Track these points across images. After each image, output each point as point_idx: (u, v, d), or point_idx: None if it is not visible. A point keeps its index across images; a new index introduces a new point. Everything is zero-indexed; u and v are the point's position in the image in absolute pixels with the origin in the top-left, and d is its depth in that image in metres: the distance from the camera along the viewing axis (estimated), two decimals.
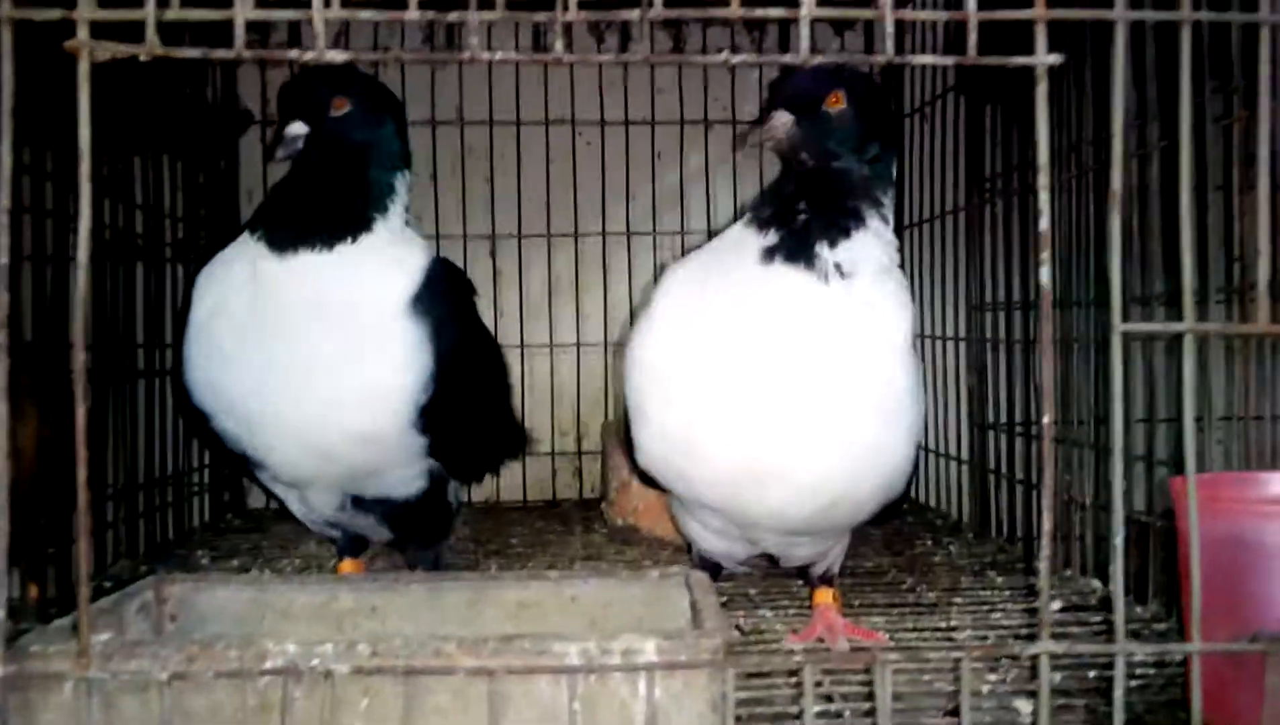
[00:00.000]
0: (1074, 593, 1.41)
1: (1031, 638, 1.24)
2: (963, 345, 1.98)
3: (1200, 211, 1.28)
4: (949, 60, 0.80)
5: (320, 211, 1.28)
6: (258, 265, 1.26)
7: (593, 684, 0.77)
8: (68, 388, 0.75)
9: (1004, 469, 1.81)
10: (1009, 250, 1.81)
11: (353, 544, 1.46)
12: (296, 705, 0.75)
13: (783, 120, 1.14)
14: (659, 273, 2.15)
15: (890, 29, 0.77)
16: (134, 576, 1.48)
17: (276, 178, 1.39)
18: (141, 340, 1.72)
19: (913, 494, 2.04)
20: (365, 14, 0.77)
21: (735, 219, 1.23)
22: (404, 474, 1.34)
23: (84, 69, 0.74)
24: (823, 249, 1.10)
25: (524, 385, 2.14)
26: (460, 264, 2.04)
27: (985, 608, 1.35)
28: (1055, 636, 0.81)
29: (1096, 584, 1.44)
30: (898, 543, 1.75)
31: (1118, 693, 0.79)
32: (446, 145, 2.13)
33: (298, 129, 1.31)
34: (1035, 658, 0.80)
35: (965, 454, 1.97)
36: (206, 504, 1.96)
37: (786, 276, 1.09)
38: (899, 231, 2.13)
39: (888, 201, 1.18)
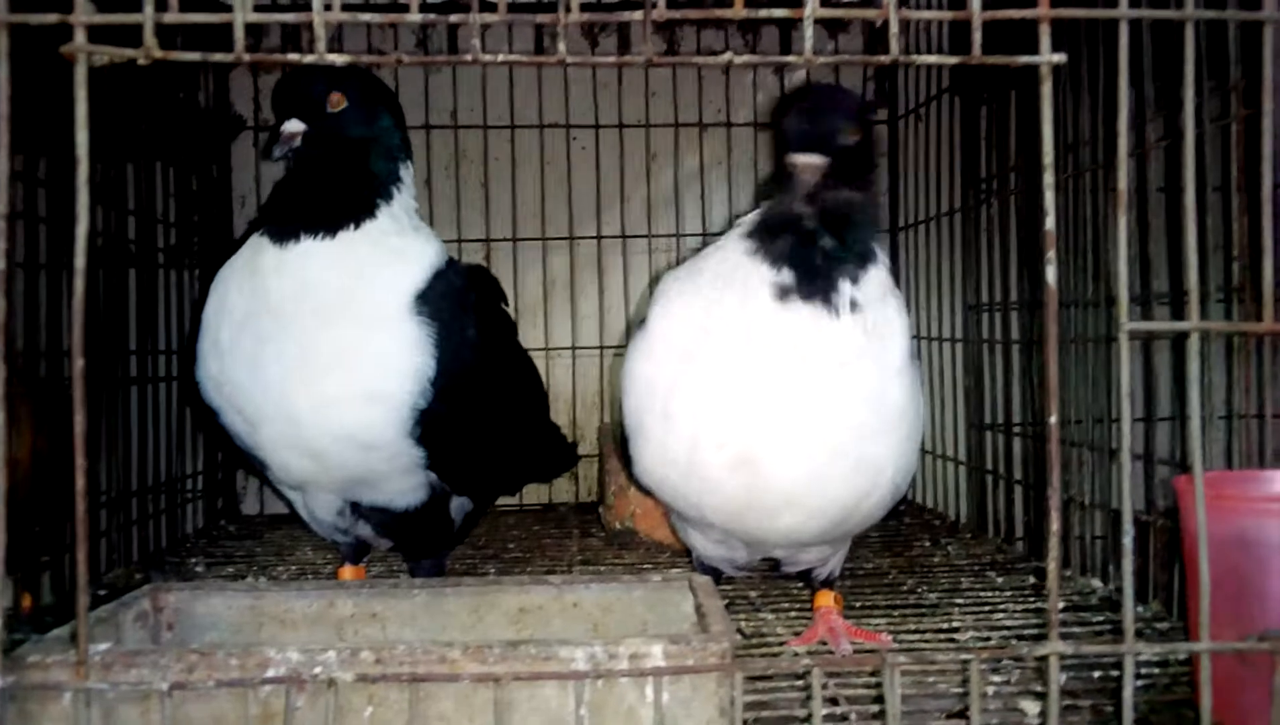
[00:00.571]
0: (1074, 592, 1.41)
1: (1036, 638, 1.24)
2: (959, 346, 1.98)
3: (1199, 211, 1.28)
4: (953, 60, 0.79)
5: (322, 200, 1.26)
6: (258, 257, 1.25)
7: (600, 689, 0.77)
8: (62, 395, 0.74)
9: (1001, 469, 1.81)
10: (1005, 251, 1.81)
11: (356, 551, 1.44)
12: (299, 714, 0.75)
13: (817, 164, 1.07)
14: (654, 278, 2.16)
15: (895, 29, 0.77)
16: (129, 584, 1.47)
17: (270, 182, 1.39)
18: (134, 346, 1.71)
19: (910, 495, 2.05)
20: (366, 16, 0.77)
21: (731, 222, 1.20)
22: (402, 485, 1.30)
23: (81, 74, 0.74)
24: (844, 285, 1.08)
25: None
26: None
27: (987, 608, 1.35)
28: (1060, 637, 0.81)
29: (1096, 584, 1.44)
30: (896, 544, 1.74)
31: (1127, 693, 0.78)
32: (441, 149, 2.13)
33: (294, 126, 1.28)
34: (1044, 658, 0.79)
35: (962, 454, 1.97)
36: (201, 510, 1.95)
37: (802, 314, 1.07)
38: (893, 233, 2.16)
39: (881, 222, 1.18)
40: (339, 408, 1.20)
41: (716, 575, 1.33)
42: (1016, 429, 1.79)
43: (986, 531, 1.83)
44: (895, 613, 1.34)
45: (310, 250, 1.22)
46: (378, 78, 1.44)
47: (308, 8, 0.73)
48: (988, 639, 1.24)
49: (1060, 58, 0.78)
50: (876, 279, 1.11)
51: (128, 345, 1.70)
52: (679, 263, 2.03)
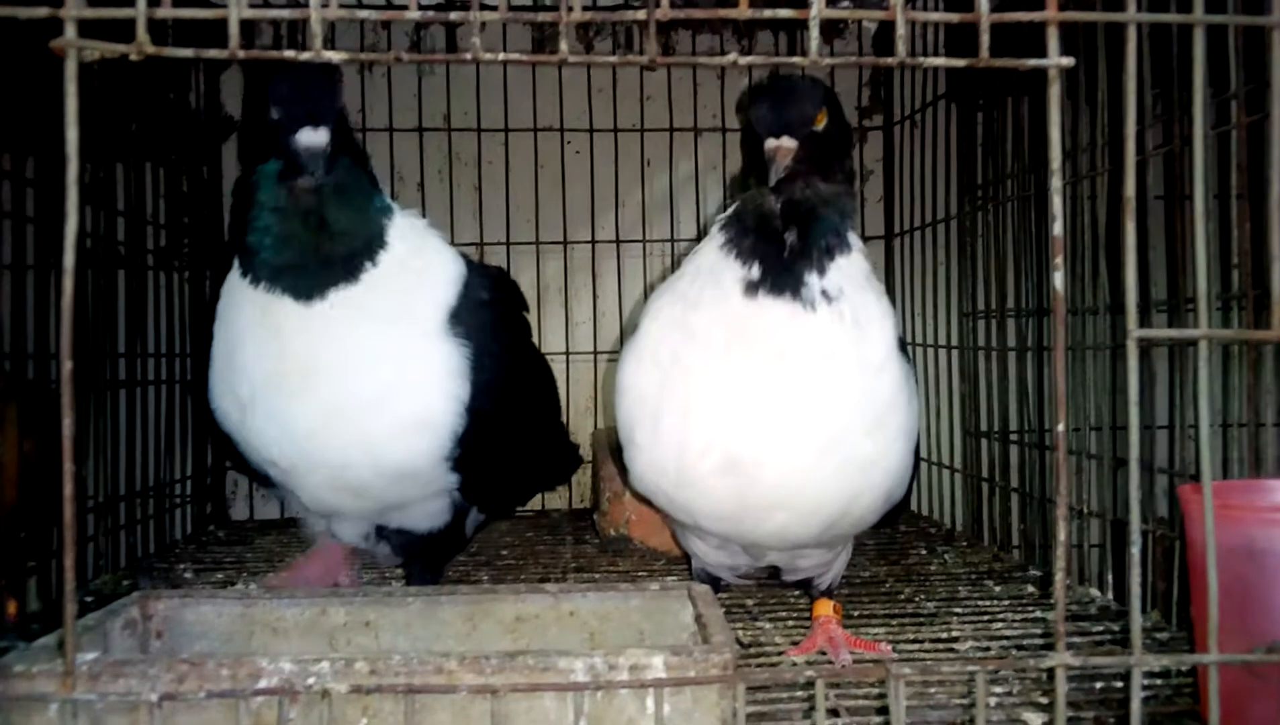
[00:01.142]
0: (1073, 601, 1.40)
1: (1037, 648, 1.23)
2: (954, 353, 1.97)
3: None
4: (961, 62, 0.78)
5: (339, 242, 1.17)
6: (275, 318, 1.16)
7: (599, 701, 0.75)
8: (49, 397, 0.73)
9: (997, 477, 1.80)
10: (1001, 258, 1.80)
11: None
12: None
13: (790, 146, 1.08)
14: (648, 280, 2.15)
15: (901, 30, 0.76)
16: (116, 591, 1.45)
17: None
18: (123, 349, 1.69)
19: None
20: (363, 14, 0.75)
21: (706, 230, 1.19)
22: (431, 507, 1.30)
23: (71, 69, 0.72)
24: (811, 278, 1.08)
25: None
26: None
27: (985, 617, 1.34)
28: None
29: (1095, 593, 1.43)
30: (892, 552, 1.73)
31: (1135, 704, 0.77)
32: (434, 152, 2.11)
33: (322, 139, 1.11)
34: (1049, 670, 0.78)
35: (958, 462, 1.96)
36: (189, 516, 1.92)
37: (773, 309, 1.07)
38: (889, 239, 2.16)
39: (856, 204, 1.17)
40: (384, 443, 1.18)
41: (715, 584, 1.31)
42: (1013, 437, 1.78)
43: (982, 539, 1.82)
44: (894, 622, 1.33)
45: (335, 301, 1.16)
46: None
47: (304, 4, 0.72)
48: (987, 649, 1.23)
49: (1069, 61, 0.77)
50: (849, 269, 1.10)
51: (116, 348, 1.67)
52: (674, 268, 2.03)
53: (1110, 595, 1.41)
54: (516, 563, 1.68)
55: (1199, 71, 0.80)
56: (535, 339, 2.10)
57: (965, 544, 1.81)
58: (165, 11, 0.72)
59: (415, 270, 1.21)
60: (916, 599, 1.44)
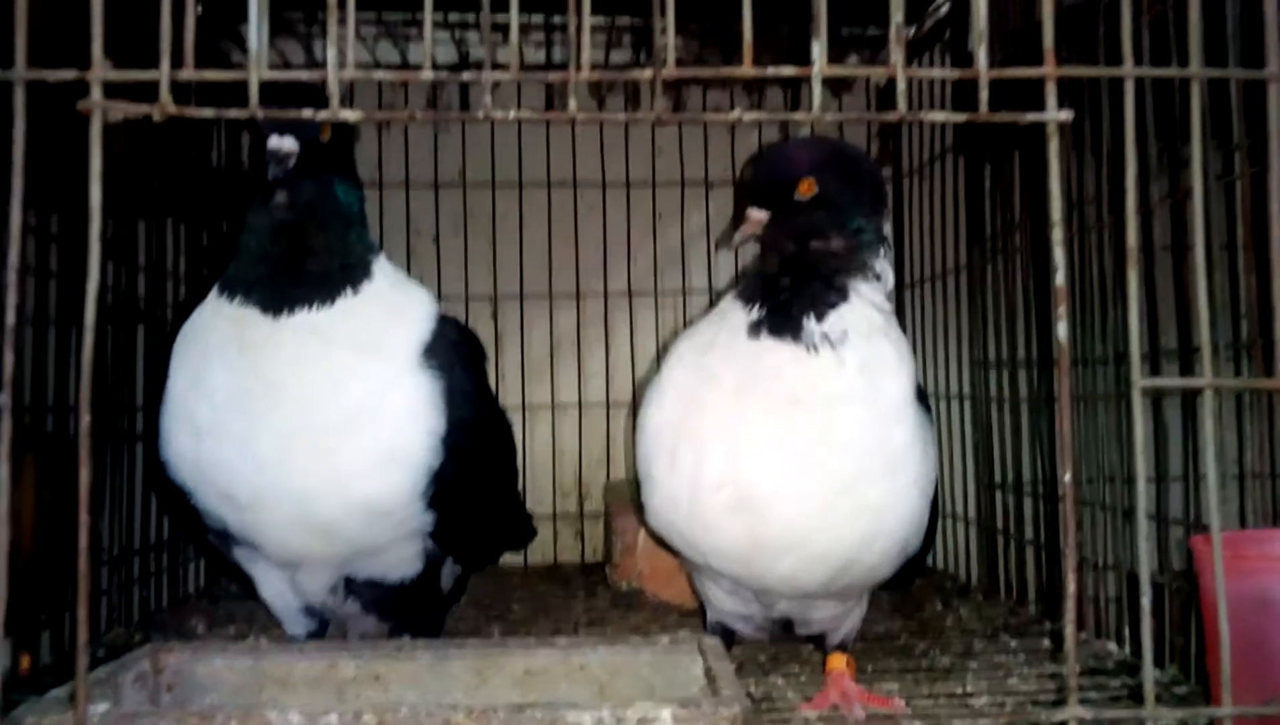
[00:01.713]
0: (1090, 655, 1.38)
1: (1052, 703, 1.21)
2: (967, 404, 1.97)
3: (1208, 274, 1.28)
4: (961, 117, 0.80)
5: (314, 260, 1.17)
6: (245, 331, 1.15)
7: None
8: (67, 451, 0.73)
9: (1012, 529, 1.79)
10: (1011, 308, 1.81)
11: (312, 637, 1.34)
12: None
13: (757, 218, 1.17)
14: (660, 332, 2.16)
15: (902, 85, 0.78)
16: (128, 644, 1.45)
17: None
18: (141, 403, 1.71)
19: None
20: (379, 74, 0.78)
21: (736, 279, 1.23)
22: (403, 553, 1.25)
23: (96, 129, 0.74)
24: (809, 322, 1.11)
25: (525, 446, 2.11)
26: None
27: (1000, 672, 1.32)
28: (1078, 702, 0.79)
29: (1113, 647, 1.41)
30: (907, 606, 1.71)
31: None
32: (449, 207, 2.14)
33: (289, 144, 1.15)
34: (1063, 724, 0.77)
35: (972, 514, 1.95)
36: (202, 570, 1.93)
37: (775, 350, 1.10)
38: (899, 290, 2.17)
39: (879, 263, 1.18)
40: (356, 476, 1.14)
41: (729, 637, 1.31)
42: (1027, 488, 1.77)
43: (998, 593, 1.80)
44: (908, 676, 1.31)
45: (309, 321, 1.15)
46: None
47: (322, 66, 0.75)
48: (1003, 704, 1.21)
49: (1067, 115, 0.78)
50: (852, 317, 1.11)
51: (134, 401, 1.69)
52: (685, 319, 2.03)
53: (1128, 650, 1.39)
54: (528, 617, 1.67)
55: (1196, 123, 0.81)
56: (548, 390, 2.15)
57: (981, 597, 1.79)
58: (188, 74, 0.75)
59: (394, 306, 1.21)
60: (931, 653, 1.42)
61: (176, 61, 0.75)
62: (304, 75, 0.77)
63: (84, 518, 0.71)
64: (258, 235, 1.20)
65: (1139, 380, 0.78)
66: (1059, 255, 0.78)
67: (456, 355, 1.23)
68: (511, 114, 0.77)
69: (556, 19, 2.03)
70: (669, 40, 0.75)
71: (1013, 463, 1.79)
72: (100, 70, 0.74)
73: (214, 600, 1.81)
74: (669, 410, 1.16)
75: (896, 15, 0.78)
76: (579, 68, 0.76)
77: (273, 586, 1.30)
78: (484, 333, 2.10)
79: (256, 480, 1.13)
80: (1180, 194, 1.34)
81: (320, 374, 1.15)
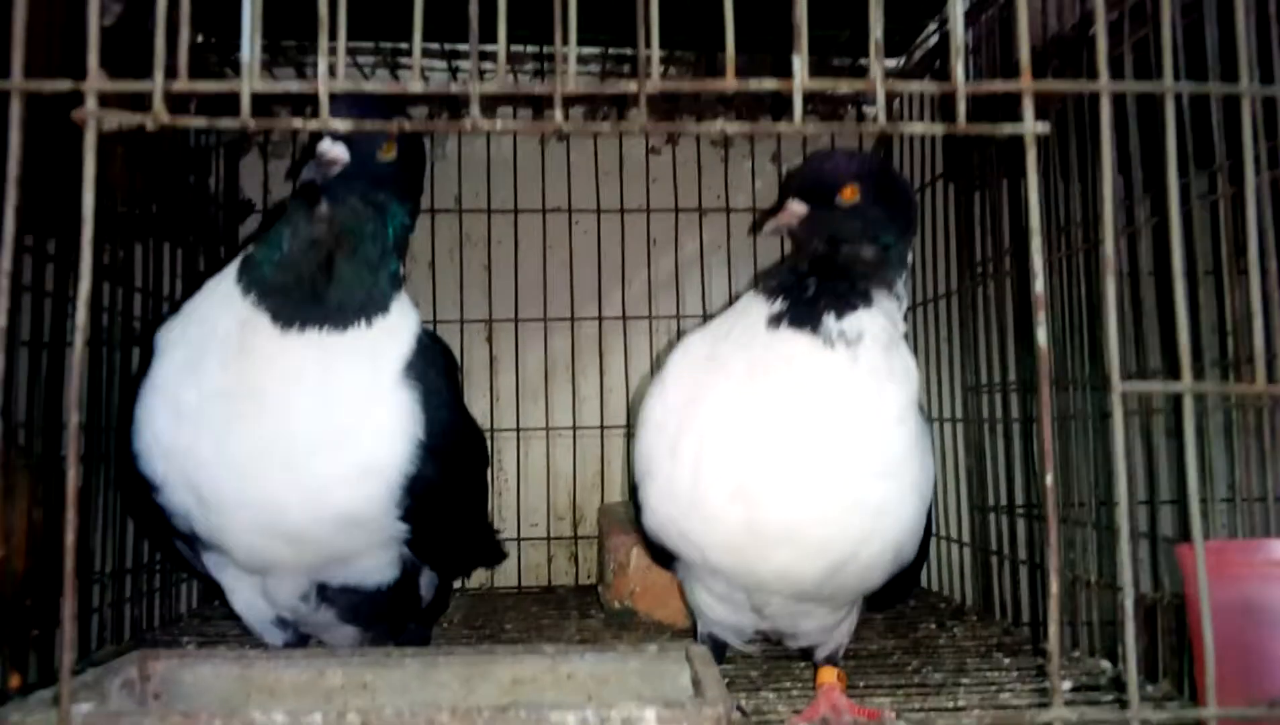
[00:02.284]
0: (1083, 673, 1.38)
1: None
2: (960, 427, 1.97)
3: (1191, 288, 1.30)
4: (939, 128, 0.81)
5: (337, 288, 1.16)
6: (252, 336, 1.14)
7: None
8: (59, 471, 0.74)
9: (1006, 551, 1.79)
10: (1002, 332, 1.82)
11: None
12: None
13: (796, 210, 1.19)
14: (654, 356, 2.17)
15: (881, 99, 0.79)
16: None
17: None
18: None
19: None
20: (369, 86, 0.80)
21: (730, 302, 1.25)
22: (378, 560, 1.24)
23: (90, 139, 0.76)
24: (829, 318, 1.13)
25: (520, 469, 2.13)
26: (457, 348, 2.06)
27: (993, 688, 1.32)
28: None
29: (1106, 665, 1.41)
30: (900, 626, 1.71)
31: None
32: (445, 232, 2.16)
33: (339, 152, 1.14)
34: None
35: (966, 537, 1.95)
36: (195, 590, 1.92)
37: (792, 340, 1.13)
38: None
39: (899, 282, 1.22)
40: (331, 487, 1.14)
41: (720, 650, 1.31)
42: (1020, 510, 1.77)
43: (993, 614, 1.79)
44: (899, 692, 1.31)
45: (316, 341, 1.15)
46: (422, 138, 1.35)
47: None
48: (985, 722, 1.21)
49: (1044, 127, 0.80)
50: (870, 324, 1.14)
51: (129, 422, 1.70)
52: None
53: (1120, 666, 1.39)
54: (520, 636, 1.67)
55: (1170, 137, 0.82)
56: (542, 414, 2.15)
57: (975, 619, 1.78)
58: (181, 85, 0.76)
59: (391, 329, 1.21)
60: (924, 670, 1.42)
61: (170, 73, 0.76)
62: (294, 86, 0.78)
63: (71, 516, 0.71)
64: (290, 238, 1.18)
65: (1118, 384, 0.79)
66: (1038, 262, 0.80)
67: (432, 363, 1.23)
68: (498, 125, 0.78)
69: (547, 49, 2.06)
70: (653, 53, 0.77)
71: (1006, 485, 1.80)
72: (95, 81, 0.75)
73: (206, 620, 1.81)
74: (672, 402, 1.17)
75: (875, 30, 0.80)
76: (565, 81, 0.78)
77: (244, 596, 1.29)
78: (479, 356, 2.13)
79: (226, 482, 1.13)
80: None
81: (310, 392, 1.14)
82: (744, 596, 1.21)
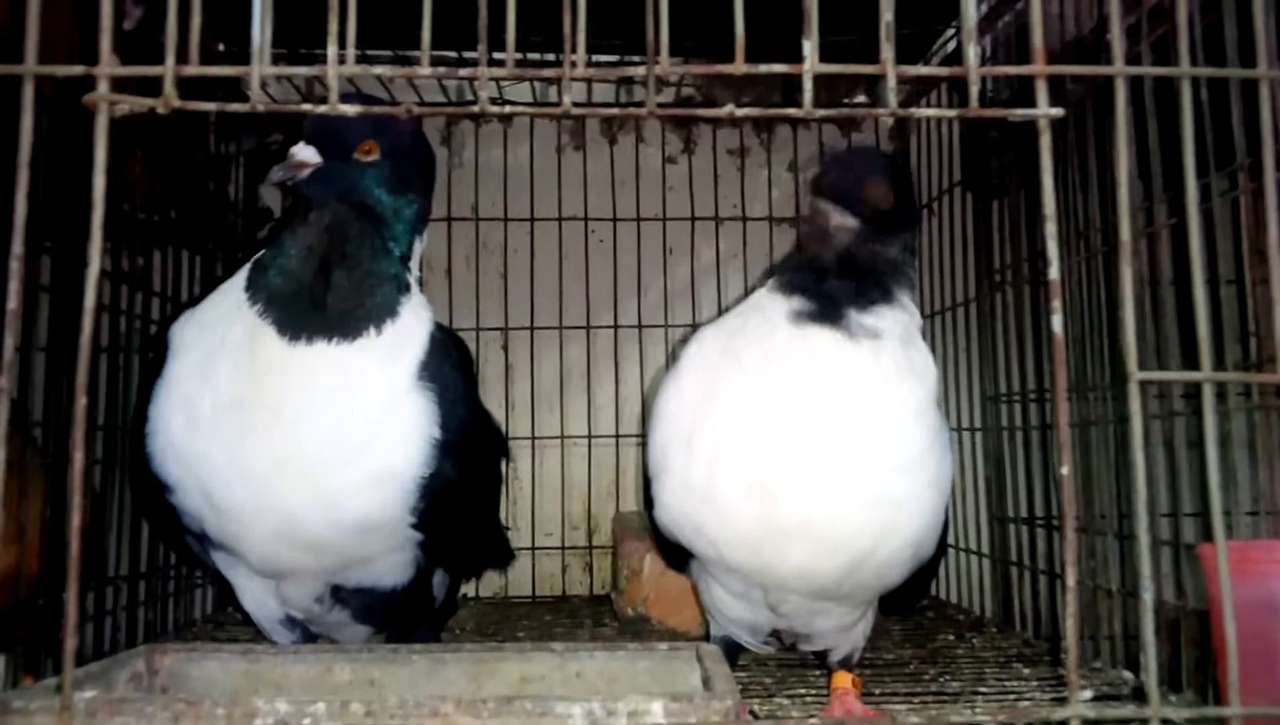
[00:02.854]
0: (1104, 683, 1.36)
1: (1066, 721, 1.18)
2: (979, 436, 1.95)
3: (1212, 284, 1.28)
4: (951, 112, 0.81)
5: (336, 297, 1.14)
6: (260, 347, 1.13)
7: None
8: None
9: (1026, 562, 1.76)
10: (1021, 341, 1.80)
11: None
12: None
13: (851, 225, 1.16)
14: (672, 348, 2.16)
15: (892, 82, 0.79)
16: None
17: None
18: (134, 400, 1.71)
19: (933, 589, 1.99)
20: (378, 69, 0.79)
21: (769, 274, 1.23)
22: (394, 561, 1.23)
23: (102, 123, 0.76)
24: (852, 314, 1.12)
25: (534, 478, 2.12)
26: (473, 357, 2.06)
27: (1011, 697, 1.30)
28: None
29: (1128, 675, 1.38)
30: (918, 636, 1.69)
31: None
32: (462, 240, 2.16)
33: (308, 154, 1.13)
34: (1064, 722, 0.75)
35: (985, 548, 1.92)
36: (209, 596, 1.92)
37: (815, 336, 1.11)
38: None
39: (914, 276, 1.21)
40: (349, 495, 1.12)
41: (734, 652, 1.29)
42: (1040, 521, 1.75)
43: (1013, 626, 1.77)
44: (916, 699, 1.29)
45: (327, 355, 1.12)
46: (423, 136, 1.31)
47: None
48: (999, 721, 1.18)
49: (1058, 111, 0.79)
50: (893, 321, 1.13)
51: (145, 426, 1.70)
52: None
53: (1143, 677, 1.36)
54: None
55: (1187, 121, 0.81)
56: (557, 422, 2.15)
57: (995, 630, 1.76)
58: (192, 70, 0.77)
59: (406, 332, 1.18)
60: (941, 679, 1.40)
61: (182, 58, 0.77)
62: (303, 71, 0.78)
63: (76, 499, 0.71)
64: (289, 247, 1.17)
65: (1136, 373, 0.78)
66: (1053, 249, 0.78)
67: (446, 358, 1.21)
68: (507, 108, 0.78)
69: (558, 56, 2.06)
70: (663, 36, 0.76)
71: (1026, 495, 1.77)
72: (107, 65, 0.76)
73: (220, 625, 1.80)
74: (687, 395, 1.16)
75: (886, 14, 0.79)
76: (574, 65, 0.78)
77: (253, 595, 1.28)
78: (494, 365, 2.13)
79: (241, 492, 1.12)
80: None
81: (324, 404, 1.12)
82: (760, 594, 1.20)
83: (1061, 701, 1.28)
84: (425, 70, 0.78)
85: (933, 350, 2.04)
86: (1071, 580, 0.77)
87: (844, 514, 1.08)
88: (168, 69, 0.76)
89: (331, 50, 0.76)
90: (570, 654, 0.99)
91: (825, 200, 1.16)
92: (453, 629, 1.72)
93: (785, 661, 1.44)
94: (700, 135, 2.24)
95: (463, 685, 0.97)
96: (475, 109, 0.77)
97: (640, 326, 2.17)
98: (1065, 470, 0.78)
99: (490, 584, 2.08)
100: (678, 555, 1.23)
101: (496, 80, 0.79)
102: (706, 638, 1.38)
